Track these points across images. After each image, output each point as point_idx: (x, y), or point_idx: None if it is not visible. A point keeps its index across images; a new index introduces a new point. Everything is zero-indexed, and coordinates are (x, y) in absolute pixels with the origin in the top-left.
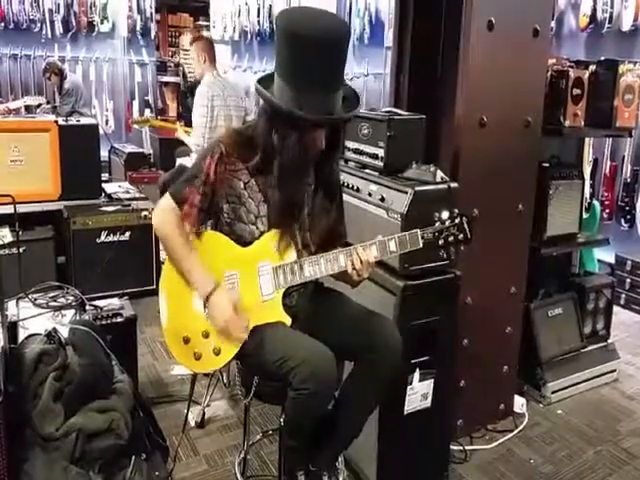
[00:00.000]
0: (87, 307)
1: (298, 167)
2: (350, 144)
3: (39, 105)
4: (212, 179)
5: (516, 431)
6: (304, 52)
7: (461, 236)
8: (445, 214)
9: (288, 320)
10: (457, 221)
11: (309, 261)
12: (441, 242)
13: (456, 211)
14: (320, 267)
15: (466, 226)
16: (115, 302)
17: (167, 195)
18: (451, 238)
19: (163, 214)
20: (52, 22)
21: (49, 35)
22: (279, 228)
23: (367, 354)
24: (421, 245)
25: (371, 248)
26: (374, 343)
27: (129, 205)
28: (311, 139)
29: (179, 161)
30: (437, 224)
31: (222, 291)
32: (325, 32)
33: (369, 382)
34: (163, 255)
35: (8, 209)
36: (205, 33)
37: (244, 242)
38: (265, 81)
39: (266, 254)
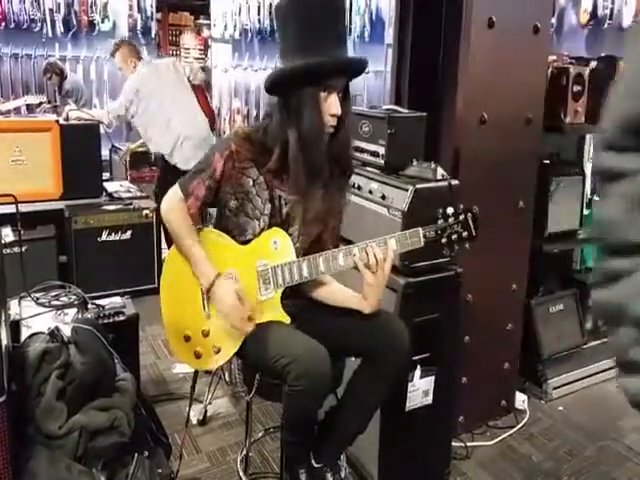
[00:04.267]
0: (89, 306)
1: (318, 137)
2: None
3: (40, 104)
4: (218, 175)
5: (517, 427)
6: (303, 13)
7: (465, 234)
8: (450, 210)
9: (287, 319)
10: (461, 218)
11: (308, 260)
12: (444, 240)
13: (461, 207)
14: (319, 266)
15: (471, 223)
16: (117, 301)
17: (176, 186)
18: (455, 236)
19: (171, 205)
20: (53, 21)
21: (50, 34)
22: (302, 199)
23: (376, 351)
24: (422, 244)
25: (373, 246)
26: (383, 340)
27: (130, 204)
28: (326, 105)
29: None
30: (440, 221)
31: (224, 280)
32: None
33: (377, 378)
34: (164, 254)
35: (10, 209)
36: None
37: (245, 237)
38: None
39: (264, 253)
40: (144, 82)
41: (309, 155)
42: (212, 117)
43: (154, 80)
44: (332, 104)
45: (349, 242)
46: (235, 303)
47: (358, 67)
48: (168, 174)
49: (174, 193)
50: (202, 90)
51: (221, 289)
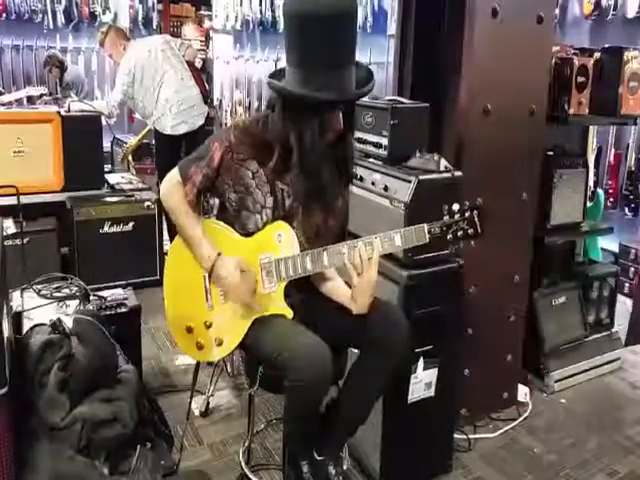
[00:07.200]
0: (91, 297)
1: (319, 150)
2: None
3: (41, 95)
4: (216, 164)
5: (520, 420)
6: (306, 30)
7: (471, 231)
8: (456, 206)
9: (290, 313)
10: (467, 215)
11: (311, 254)
12: (449, 237)
13: (467, 204)
14: (322, 260)
15: (477, 220)
16: (119, 292)
17: (176, 169)
18: (460, 233)
19: (169, 186)
20: (54, 12)
21: (51, 26)
22: (305, 214)
23: (375, 340)
24: (427, 240)
25: (374, 243)
26: (382, 329)
27: (132, 196)
28: (328, 120)
29: None
30: (446, 217)
31: (225, 256)
32: (325, 7)
33: (377, 368)
34: (167, 245)
35: (12, 200)
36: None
37: (247, 231)
38: (276, 75)
39: (268, 246)
40: (135, 62)
41: (310, 162)
42: (204, 92)
43: (144, 56)
44: (334, 121)
45: (352, 234)
46: (239, 281)
47: (352, 99)
48: (164, 145)
49: (173, 176)
50: (193, 65)
51: (223, 269)
